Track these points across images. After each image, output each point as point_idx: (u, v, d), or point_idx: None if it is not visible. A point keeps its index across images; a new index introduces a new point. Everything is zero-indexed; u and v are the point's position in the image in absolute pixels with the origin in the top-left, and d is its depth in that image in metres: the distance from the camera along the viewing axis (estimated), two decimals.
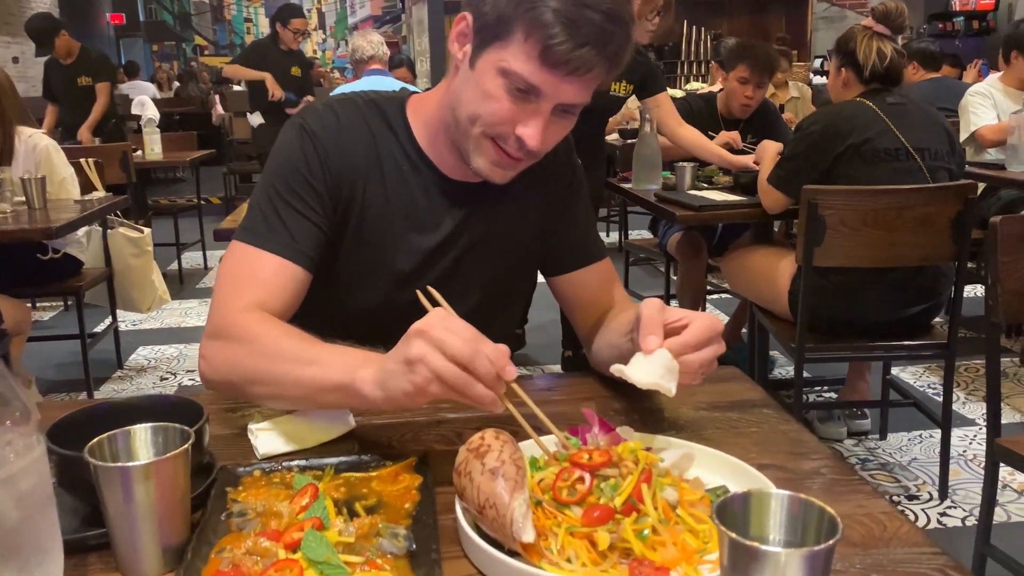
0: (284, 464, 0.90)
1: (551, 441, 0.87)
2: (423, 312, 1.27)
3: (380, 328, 1.28)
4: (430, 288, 0.89)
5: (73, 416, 0.86)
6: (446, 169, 1.22)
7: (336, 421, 1.00)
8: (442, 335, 0.82)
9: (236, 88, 10.88)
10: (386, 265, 1.23)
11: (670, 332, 0.94)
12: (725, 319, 4.22)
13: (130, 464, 0.72)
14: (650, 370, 0.90)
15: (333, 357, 0.93)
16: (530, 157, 1.11)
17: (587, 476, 0.75)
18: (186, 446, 0.74)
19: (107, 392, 3.64)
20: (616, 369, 0.94)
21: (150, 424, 0.78)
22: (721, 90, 3.71)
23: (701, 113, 3.63)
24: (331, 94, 4.55)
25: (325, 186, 1.17)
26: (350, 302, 1.25)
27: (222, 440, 1.01)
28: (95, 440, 0.74)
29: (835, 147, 2.47)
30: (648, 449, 0.86)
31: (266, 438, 0.97)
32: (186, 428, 0.77)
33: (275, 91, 6.20)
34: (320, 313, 1.22)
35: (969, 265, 2.75)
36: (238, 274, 1.12)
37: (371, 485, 0.87)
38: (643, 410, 1.09)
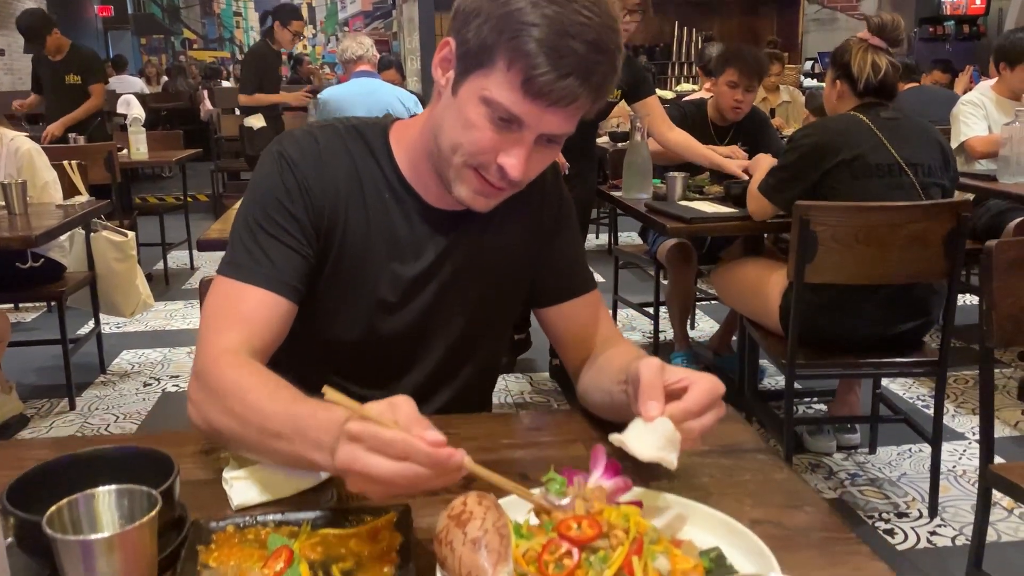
0: (259, 519, 0.86)
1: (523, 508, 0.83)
2: (404, 345, 1.24)
3: (363, 358, 1.26)
4: (328, 390, 0.80)
5: (34, 472, 0.82)
6: (429, 197, 1.19)
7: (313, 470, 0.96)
8: (366, 467, 0.76)
9: (225, 84, 10.80)
10: (368, 295, 1.19)
11: (670, 395, 0.91)
12: (715, 326, 4.20)
13: (92, 537, 0.68)
14: (651, 442, 0.87)
15: (295, 431, 0.87)
16: (513, 187, 1.08)
17: (575, 551, 0.71)
18: (153, 513, 0.70)
19: (89, 398, 3.59)
20: (616, 439, 0.90)
21: (115, 487, 0.74)
22: (712, 96, 3.69)
23: (693, 119, 3.61)
24: (319, 96, 4.48)
25: (306, 214, 1.13)
26: (331, 332, 1.22)
27: (196, 486, 0.97)
28: (54, 507, 0.70)
29: (826, 162, 2.45)
30: (638, 504, 0.82)
31: (241, 487, 0.93)
32: (153, 492, 0.73)
33: (305, 100, 6.15)
34: (302, 343, 1.19)
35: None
36: (221, 310, 1.09)
37: (349, 544, 0.83)
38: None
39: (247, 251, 1.11)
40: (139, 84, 11.10)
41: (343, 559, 0.81)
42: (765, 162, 2.91)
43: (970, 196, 3.54)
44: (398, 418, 0.79)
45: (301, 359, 1.17)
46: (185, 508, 0.88)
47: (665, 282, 3.83)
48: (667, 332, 4.03)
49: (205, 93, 10.64)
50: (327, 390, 0.80)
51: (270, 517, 0.87)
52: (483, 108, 1.01)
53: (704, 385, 0.91)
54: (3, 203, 3.03)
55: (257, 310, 1.08)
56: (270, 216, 1.12)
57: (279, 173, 1.14)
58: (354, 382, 1.17)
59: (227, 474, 0.95)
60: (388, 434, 0.76)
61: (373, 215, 1.17)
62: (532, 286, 1.29)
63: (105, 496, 0.73)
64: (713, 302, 4.40)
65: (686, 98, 4.55)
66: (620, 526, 0.74)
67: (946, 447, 2.86)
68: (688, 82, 8.84)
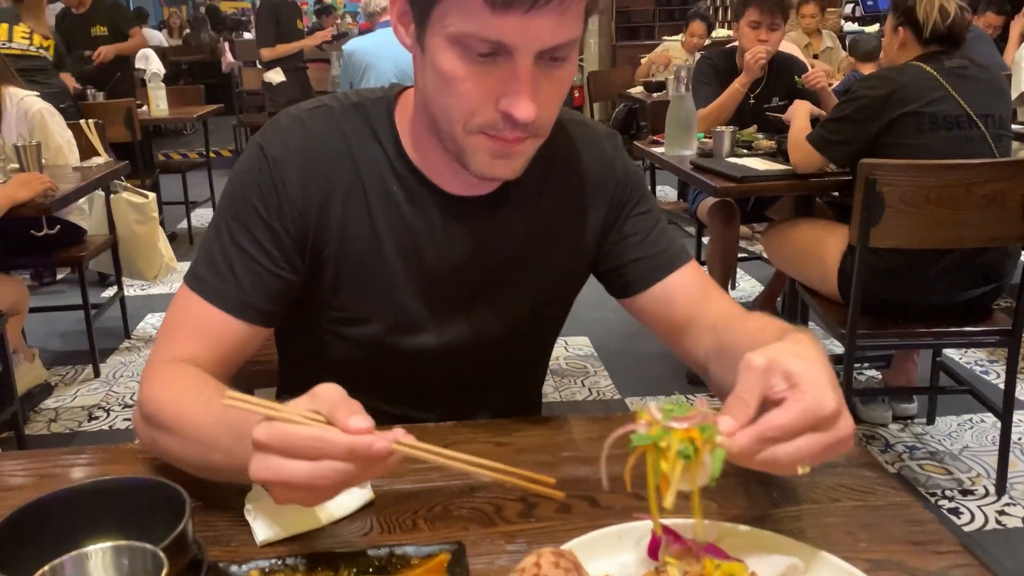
0: (288, 561, 0.73)
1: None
2: (433, 359, 1.04)
3: (376, 379, 1.03)
4: (229, 394, 0.69)
5: (23, 512, 0.69)
6: (442, 182, 0.99)
7: (349, 495, 0.83)
8: (280, 475, 0.66)
9: (247, 36, 10.59)
10: (379, 308, 1.02)
11: (775, 404, 0.68)
12: (759, 286, 4.03)
13: None
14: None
15: (232, 439, 0.74)
16: (532, 133, 0.86)
17: None
18: None
19: (114, 365, 3.50)
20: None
21: (111, 544, 0.61)
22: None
23: (725, 71, 3.39)
24: (344, 48, 4.24)
25: (282, 224, 0.95)
26: (338, 351, 1.05)
27: (215, 513, 0.84)
28: (38, 574, 0.57)
29: (889, 113, 2.27)
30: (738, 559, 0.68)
31: (265, 520, 0.80)
32: (158, 552, 0.60)
33: (326, 36, 5.98)
34: (305, 363, 1.06)
35: None
36: (174, 327, 0.97)
37: None
38: None
39: (212, 263, 0.96)
40: (159, 37, 10.90)
41: None
42: (803, 108, 2.73)
43: None
44: (319, 407, 0.67)
45: (305, 382, 0.80)
46: (201, 547, 0.74)
47: (706, 240, 3.65)
48: None
49: (226, 45, 10.44)
50: (228, 395, 0.69)
51: (300, 560, 0.74)
52: (455, 50, 0.81)
53: (800, 403, 0.66)
54: (17, 165, 2.90)
55: (210, 330, 0.95)
56: (242, 223, 0.95)
57: (256, 171, 0.96)
58: (381, 400, 0.92)
59: (249, 504, 0.82)
60: (296, 432, 0.65)
61: (379, 212, 0.98)
62: (610, 278, 1.09)
63: (98, 556, 0.60)
64: (754, 260, 4.23)
65: (723, 48, 4.31)
66: None
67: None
68: (723, 28, 8.51)
